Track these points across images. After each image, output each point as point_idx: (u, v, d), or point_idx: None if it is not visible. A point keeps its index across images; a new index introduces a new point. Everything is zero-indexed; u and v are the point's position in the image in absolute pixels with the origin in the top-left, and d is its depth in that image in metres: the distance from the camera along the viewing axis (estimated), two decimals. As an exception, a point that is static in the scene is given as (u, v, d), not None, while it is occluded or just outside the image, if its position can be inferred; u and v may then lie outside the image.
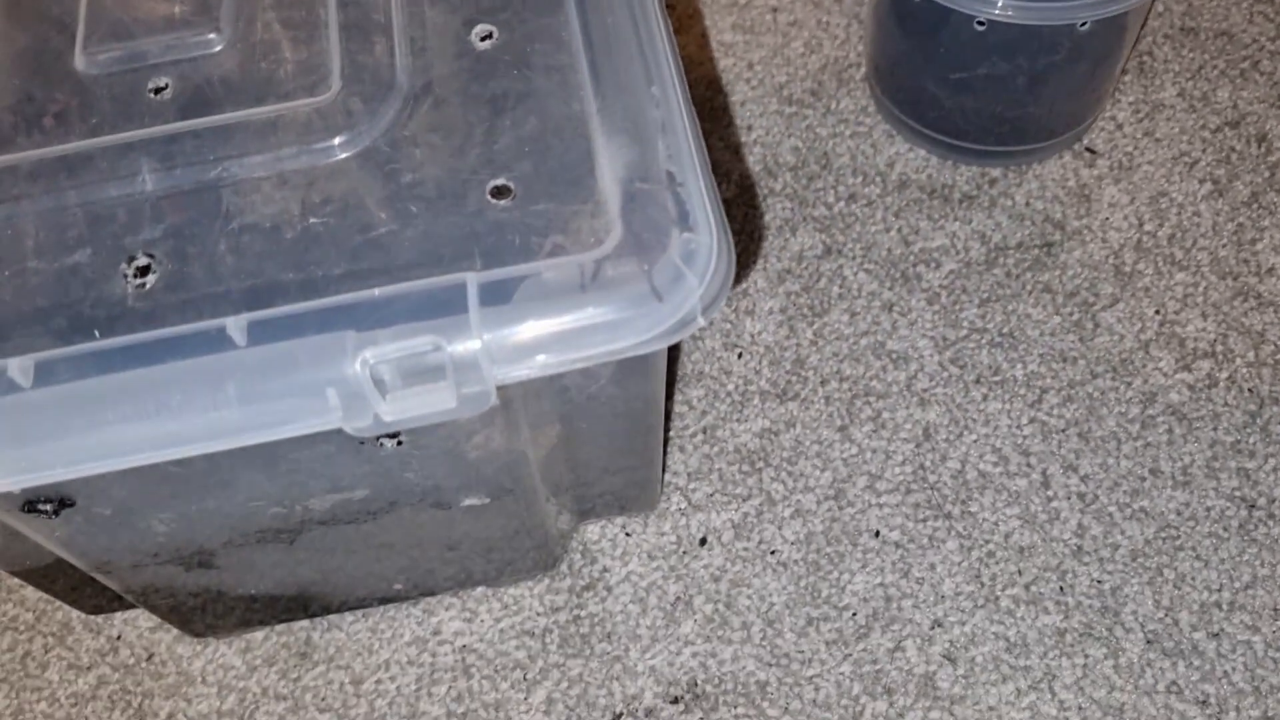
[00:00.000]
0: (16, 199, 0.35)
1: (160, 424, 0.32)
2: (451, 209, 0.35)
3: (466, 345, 0.31)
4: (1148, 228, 0.61)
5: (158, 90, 0.38)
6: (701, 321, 0.33)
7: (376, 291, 0.32)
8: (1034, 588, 0.52)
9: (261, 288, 0.34)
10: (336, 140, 0.36)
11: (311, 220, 0.35)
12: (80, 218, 0.35)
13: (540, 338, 0.32)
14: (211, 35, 0.39)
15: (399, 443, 0.40)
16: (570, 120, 0.36)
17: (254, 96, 0.37)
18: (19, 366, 0.32)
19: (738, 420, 0.57)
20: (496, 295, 0.32)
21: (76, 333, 0.33)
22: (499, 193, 0.35)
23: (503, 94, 0.37)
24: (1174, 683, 0.49)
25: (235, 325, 0.32)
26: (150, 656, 0.53)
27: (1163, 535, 0.53)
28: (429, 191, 0.35)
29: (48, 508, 0.40)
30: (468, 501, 0.46)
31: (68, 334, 0.33)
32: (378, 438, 0.40)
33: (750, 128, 0.65)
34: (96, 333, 0.34)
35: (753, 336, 0.59)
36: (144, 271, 0.35)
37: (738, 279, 0.61)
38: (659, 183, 0.34)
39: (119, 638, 0.54)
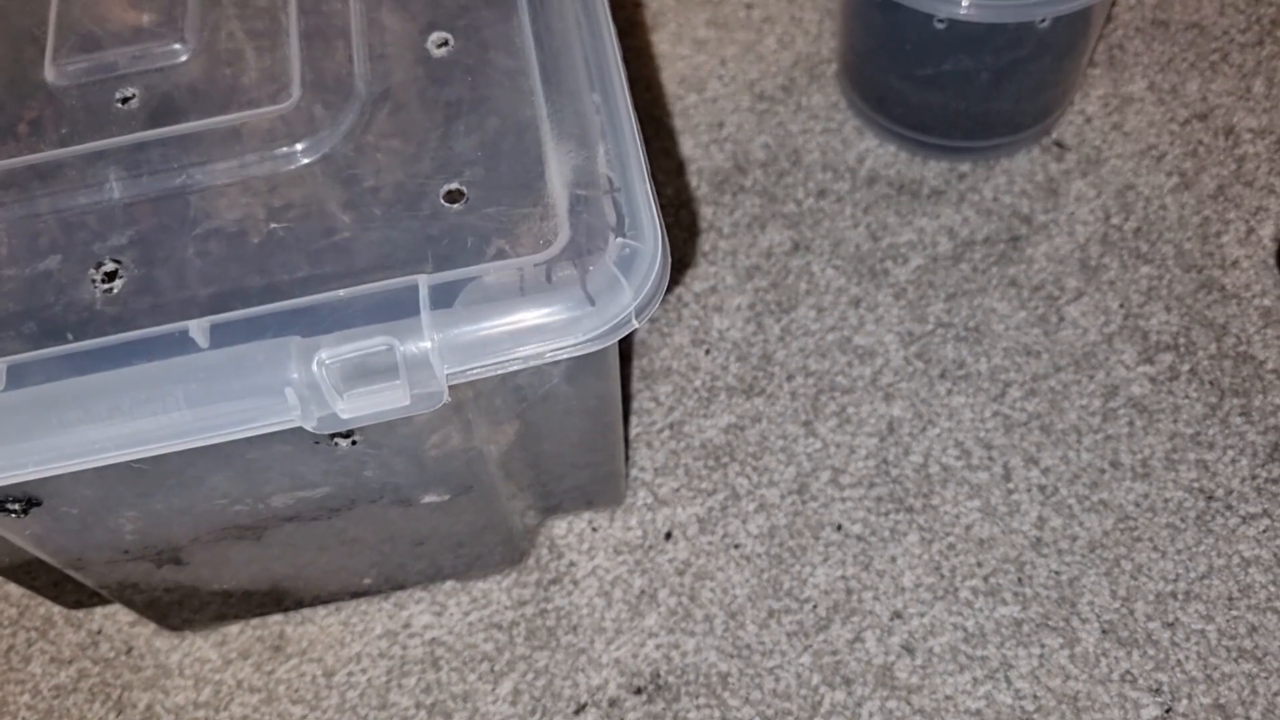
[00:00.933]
0: (-13, 207, 0.37)
1: (125, 424, 0.33)
2: (407, 213, 0.36)
3: (418, 345, 0.32)
4: (1114, 221, 0.62)
5: (125, 100, 0.39)
6: (636, 324, 0.34)
7: (333, 294, 0.33)
8: (993, 579, 0.53)
9: (225, 292, 0.35)
10: (298, 147, 0.37)
11: (273, 225, 0.36)
12: (50, 225, 0.36)
13: (483, 339, 0.33)
14: (177, 45, 0.40)
15: (353, 442, 0.41)
16: (522, 125, 0.37)
17: (218, 105, 0.38)
18: (-10, 370, 0.33)
19: (704, 416, 0.57)
20: (448, 297, 0.33)
21: (47, 337, 0.34)
22: (452, 197, 0.36)
23: (458, 100, 0.38)
24: (1128, 672, 0.50)
25: (198, 328, 0.33)
26: (129, 650, 0.54)
27: (1121, 526, 0.54)
28: (386, 196, 0.36)
29: (15, 507, 0.41)
30: (428, 499, 0.47)
31: (39, 338, 0.34)
32: (332, 437, 0.41)
33: (722, 124, 0.66)
34: (70, 335, 0.35)
35: (720, 333, 0.60)
36: (111, 277, 0.35)
37: (707, 274, 0.61)
38: (598, 188, 0.35)
39: (99, 632, 0.55)
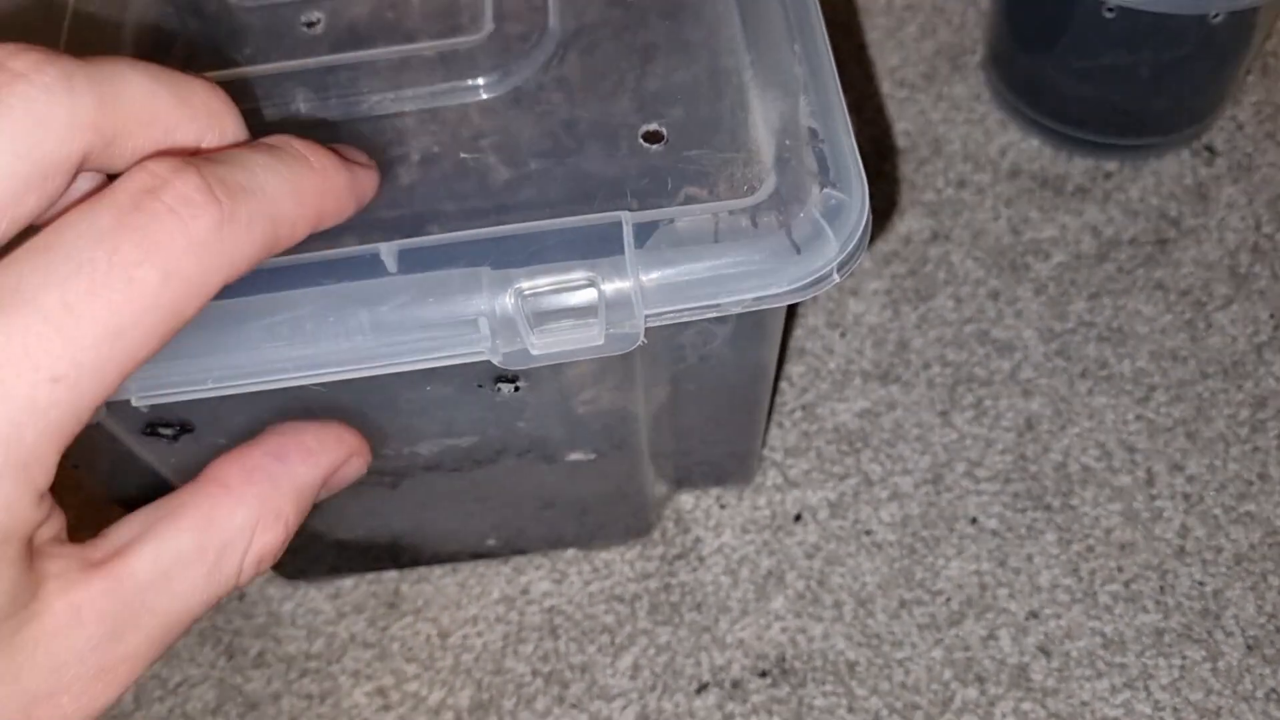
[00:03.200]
0: (176, 119, 0.36)
1: (307, 346, 0.32)
2: (603, 151, 0.35)
3: (620, 284, 0.31)
4: (1266, 230, 0.60)
5: (310, 24, 0.38)
6: (837, 278, 0.33)
7: (529, 225, 0.32)
8: (1134, 585, 0.51)
9: (410, 217, 0.34)
10: (488, 79, 0.36)
11: (462, 155, 0.35)
12: (237, 141, 0.35)
13: (686, 281, 0.32)
14: (363, -29, 0.39)
15: (516, 388, 0.40)
16: (723, 72, 0.36)
17: (405, 34, 0.37)
18: (176, 281, 0.32)
19: (838, 399, 0.56)
20: (646, 237, 0.32)
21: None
22: (652, 137, 0.35)
23: (655, 43, 0.37)
24: (1274, 690, 0.48)
25: (388, 251, 0.32)
26: (242, 596, 0.53)
27: (1269, 541, 0.52)
28: (581, 132, 0.35)
29: (169, 432, 0.40)
30: (573, 456, 0.45)
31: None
32: (496, 382, 0.40)
33: (860, 109, 0.65)
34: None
35: (856, 317, 0.58)
36: (298, 197, 0.35)
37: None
38: (801, 138, 0.34)
39: (211, 575, 0.54)
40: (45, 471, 0.22)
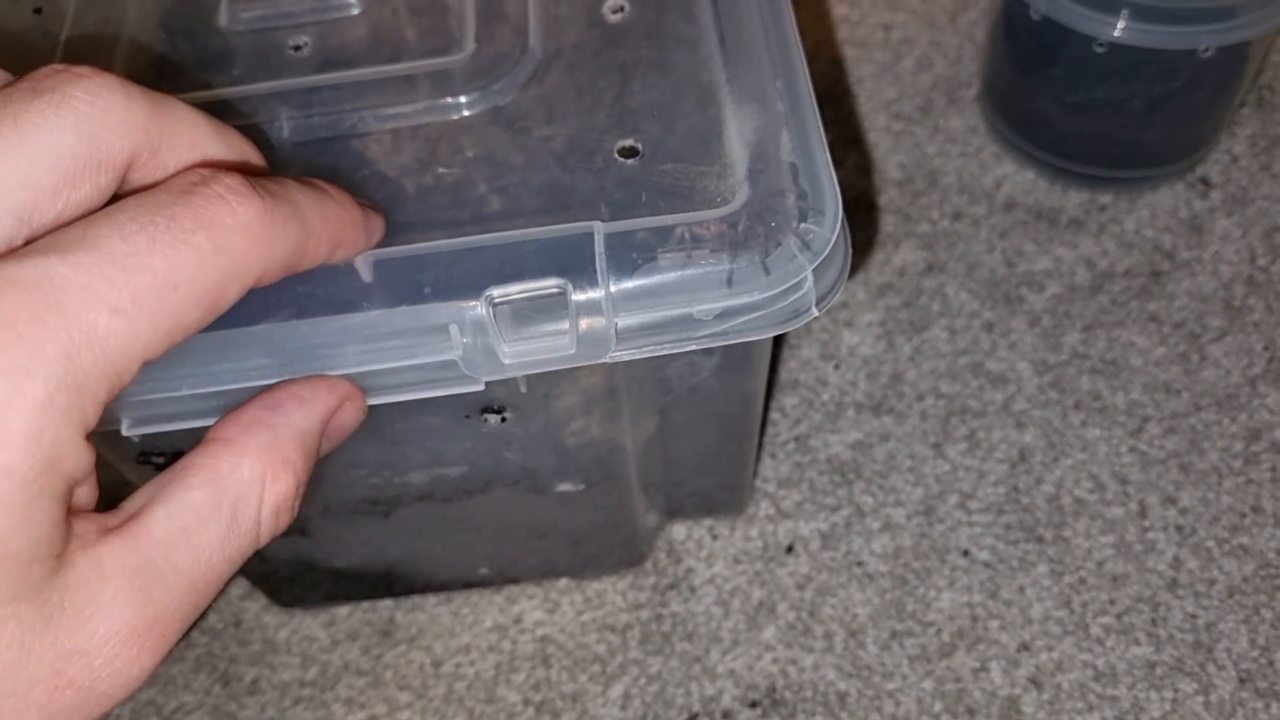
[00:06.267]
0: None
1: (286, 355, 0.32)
2: (579, 165, 0.35)
3: (591, 292, 0.31)
4: (1260, 262, 0.60)
5: (297, 47, 0.39)
6: (815, 312, 0.33)
7: (502, 235, 0.32)
8: (1126, 618, 0.51)
9: (389, 229, 0.34)
10: (468, 98, 0.37)
11: (440, 170, 0.35)
12: (224, 158, 0.36)
13: (656, 295, 0.32)
14: (351, -1, 0.40)
15: (503, 419, 0.40)
16: (700, 89, 0.37)
17: (389, 56, 0.38)
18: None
19: (831, 431, 0.56)
20: (621, 247, 0.32)
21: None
22: (627, 152, 0.35)
23: (633, 62, 0.38)
24: (1267, 725, 0.48)
25: (362, 260, 0.32)
26: (238, 624, 0.54)
27: (1262, 574, 0.51)
28: (558, 148, 0.36)
29: (160, 460, 0.40)
30: (563, 487, 0.46)
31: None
32: (482, 413, 0.40)
33: (856, 142, 0.65)
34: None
35: (850, 348, 0.59)
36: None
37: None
38: (779, 163, 0.35)
39: (207, 602, 0.54)
40: (95, 404, 0.23)
